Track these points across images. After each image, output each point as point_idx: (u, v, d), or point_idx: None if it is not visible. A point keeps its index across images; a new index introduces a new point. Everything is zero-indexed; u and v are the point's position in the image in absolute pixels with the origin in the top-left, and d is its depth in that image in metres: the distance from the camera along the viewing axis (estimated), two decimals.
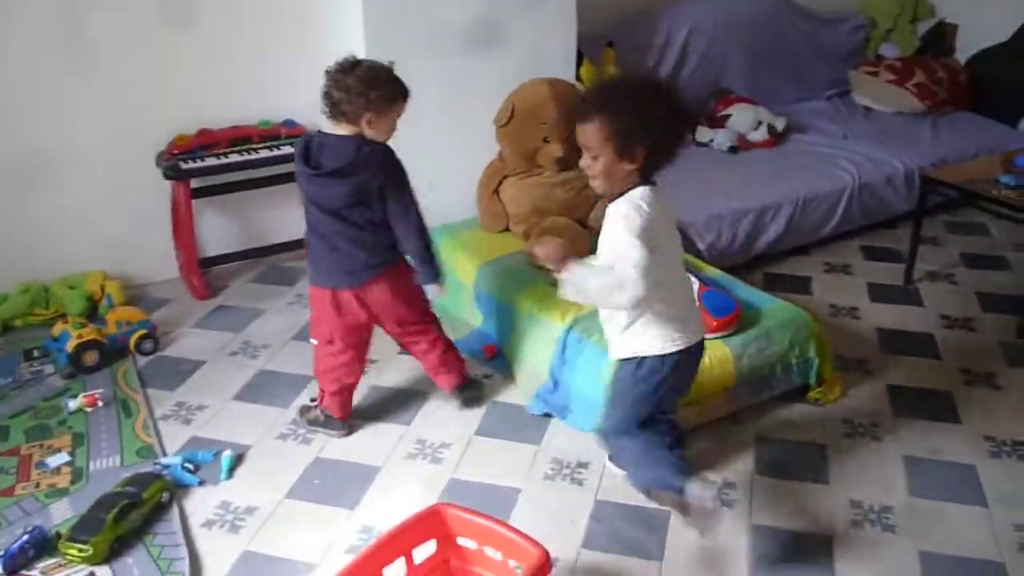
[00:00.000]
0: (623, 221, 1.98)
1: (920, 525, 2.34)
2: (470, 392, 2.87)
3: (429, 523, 1.98)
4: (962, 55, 5.02)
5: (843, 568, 2.20)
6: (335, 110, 2.45)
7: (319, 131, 2.55)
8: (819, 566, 2.21)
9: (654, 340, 2.12)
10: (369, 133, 2.47)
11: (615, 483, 2.50)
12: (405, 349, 2.89)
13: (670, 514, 2.37)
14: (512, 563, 1.93)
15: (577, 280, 2.03)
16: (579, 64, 3.80)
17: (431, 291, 2.68)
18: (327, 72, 2.46)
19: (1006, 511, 2.38)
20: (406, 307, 2.68)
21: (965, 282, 3.69)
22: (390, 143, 2.55)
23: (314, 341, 2.70)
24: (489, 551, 1.97)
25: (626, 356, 2.17)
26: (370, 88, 2.41)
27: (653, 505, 2.40)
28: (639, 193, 2.03)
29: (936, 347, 3.20)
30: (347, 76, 2.42)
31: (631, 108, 1.97)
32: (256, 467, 2.57)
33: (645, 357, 2.14)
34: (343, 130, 2.48)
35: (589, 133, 2.01)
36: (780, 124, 4.25)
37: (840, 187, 3.83)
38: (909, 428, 2.74)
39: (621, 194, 2.05)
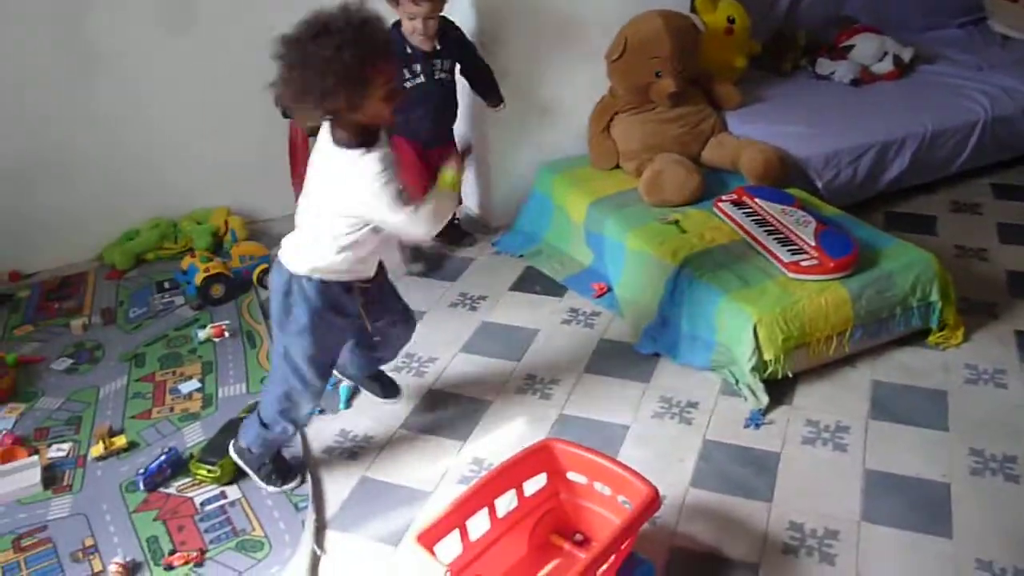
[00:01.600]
0: None
1: None
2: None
3: (539, 457, 2.02)
4: None
5: (960, 516, 2.15)
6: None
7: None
8: (935, 513, 2.16)
9: None
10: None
11: (725, 423, 2.49)
12: None
13: (780, 455, 2.36)
14: (621, 498, 1.96)
15: None
16: None
17: None
18: None
19: None
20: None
21: None
22: None
23: None
24: (598, 486, 2.00)
25: None
26: None
27: (762, 446, 2.40)
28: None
29: None
30: None
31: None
32: (372, 398, 2.66)
33: None
34: None
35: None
36: (907, 55, 4.03)
37: (971, 120, 3.63)
38: None
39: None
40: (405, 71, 3.03)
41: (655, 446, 2.42)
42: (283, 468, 2.33)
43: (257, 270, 3.23)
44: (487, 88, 3.25)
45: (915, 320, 2.74)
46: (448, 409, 2.61)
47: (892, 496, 2.22)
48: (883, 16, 4.35)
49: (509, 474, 1.99)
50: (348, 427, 2.55)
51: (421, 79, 3.09)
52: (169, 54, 3.42)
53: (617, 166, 3.41)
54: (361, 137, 1.95)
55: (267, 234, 3.65)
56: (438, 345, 2.89)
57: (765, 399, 2.52)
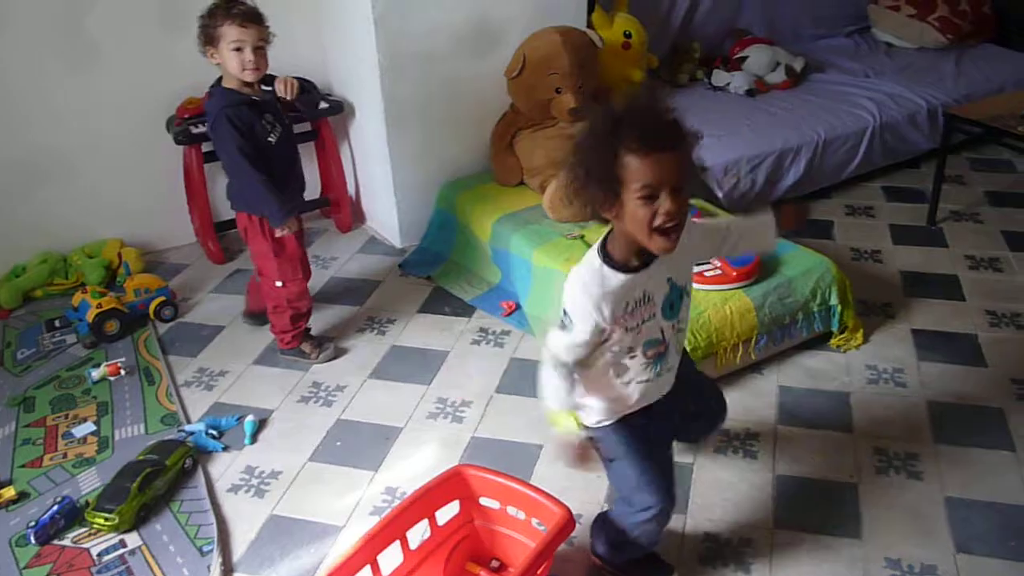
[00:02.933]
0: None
1: (946, 471, 2.32)
2: (285, 354, 2.90)
3: (452, 484, 1.98)
4: None
5: (868, 516, 2.19)
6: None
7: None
8: (844, 514, 2.20)
9: None
10: (223, 69, 2.55)
11: None
12: None
13: (692, 466, 2.37)
14: (535, 521, 1.93)
15: None
16: (590, 10, 3.71)
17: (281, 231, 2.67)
18: None
19: None
20: (250, 250, 2.81)
21: (990, 221, 3.62)
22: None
23: None
24: (512, 511, 1.97)
25: None
26: (202, 20, 2.49)
27: (676, 458, 2.38)
28: None
29: (960, 289, 3.15)
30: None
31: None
32: (279, 431, 2.59)
33: None
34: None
35: (678, 166, 1.54)
36: (798, 64, 4.15)
37: (861, 127, 3.75)
38: (934, 373, 2.71)
39: None
40: (262, 123, 2.62)
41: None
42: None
43: (153, 303, 3.11)
44: None
45: (817, 324, 2.80)
46: (358, 437, 2.54)
47: (802, 501, 2.25)
48: (775, 27, 4.47)
49: (421, 504, 1.94)
50: (254, 463, 2.46)
51: (279, 131, 2.68)
52: (56, 82, 3.27)
53: (521, 182, 3.41)
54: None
55: (164, 264, 3.53)
56: (347, 372, 2.83)
57: None
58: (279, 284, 2.78)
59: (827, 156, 3.67)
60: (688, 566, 2.07)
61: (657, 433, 1.91)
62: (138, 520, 2.24)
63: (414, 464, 2.43)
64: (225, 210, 3.65)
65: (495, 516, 2.01)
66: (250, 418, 2.59)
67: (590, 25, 3.68)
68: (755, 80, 4.05)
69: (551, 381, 1.76)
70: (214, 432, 2.56)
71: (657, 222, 1.54)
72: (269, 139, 2.63)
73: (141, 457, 2.38)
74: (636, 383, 1.80)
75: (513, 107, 3.44)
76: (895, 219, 3.66)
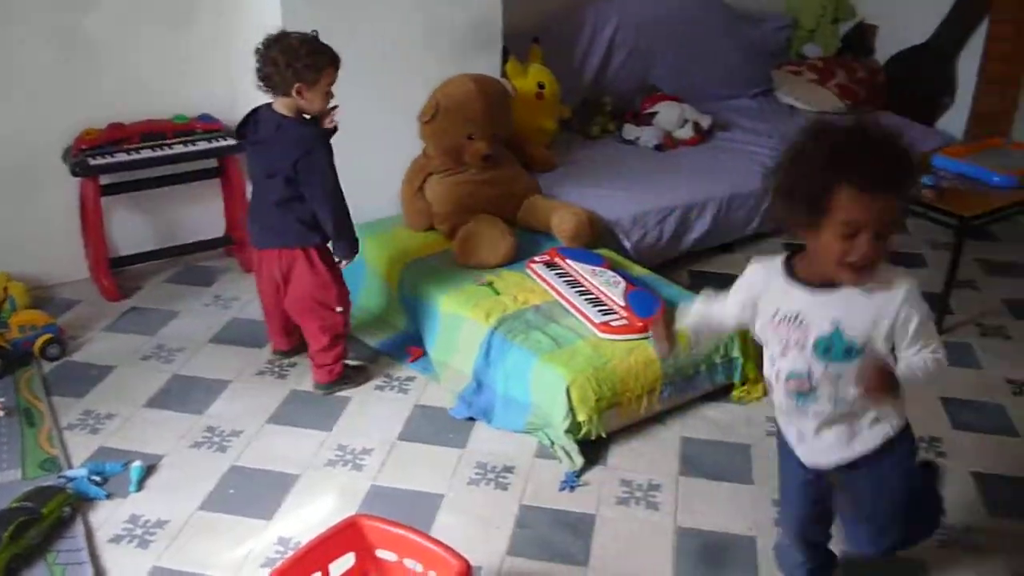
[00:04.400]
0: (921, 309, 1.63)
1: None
2: (332, 388, 2.86)
3: (347, 535, 1.91)
4: (882, 55, 5.12)
5: (764, 570, 2.19)
6: (267, 84, 2.58)
7: (267, 104, 2.66)
8: (743, 566, 2.20)
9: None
10: (303, 104, 2.60)
11: (541, 486, 2.46)
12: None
13: (595, 517, 2.35)
14: (432, 574, 1.87)
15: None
16: (504, 61, 3.75)
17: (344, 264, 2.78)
18: (256, 49, 2.57)
19: None
20: (302, 285, 2.75)
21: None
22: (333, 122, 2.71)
23: None
24: (409, 563, 1.91)
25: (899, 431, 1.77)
26: (295, 59, 2.52)
27: (578, 509, 2.38)
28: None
29: None
30: (272, 49, 2.54)
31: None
32: (168, 478, 2.47)
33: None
34: (280, 104, 2.62)
35: (891, 208, 1.51)
36: (705, 122, 4.26)
37: (764, 185, 3.84)
38: None
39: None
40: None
41: (471, 514, 2.36)
42: None
43: (39, 341, 2.95)
44: None
45: (719, 376, 2.84)
46: (253, 485, 2.44)
47: (701, 553, 2.25)
48: (683, 86, 4.58)
49: (313, 556, 1.86)
50: (139, 512, 2.33)
51: None
52: None
53: (431, 227, 3.38)
54: None
55: (53, 300, 3.37)
56: (244, 416, 2.72)
57: (580, 460, 2.52)
58: (340, 311, 2.81)
59: (732, 211, 3.75)
60: None
61: (791, 472, 1.87)
62: (8, 572, 2.09)
63: (310, 514, 2.34)
64: (122, 246, 3.54)
65: (391, 569, 1.94)
66: (137, 463, 2.46)
67: (504, 75, 3.71)
68: (664, 135, 4.14)
69: None
70: (97, 478, 2.42)
71: (850, 259, 1.52)
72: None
73: (15, 504, 2.22)
74: (779, 398, 1.77)
75: (425, 152, 3.42)
76: None
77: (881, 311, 1.60)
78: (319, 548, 1.87)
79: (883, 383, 1.59)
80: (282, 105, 2.62)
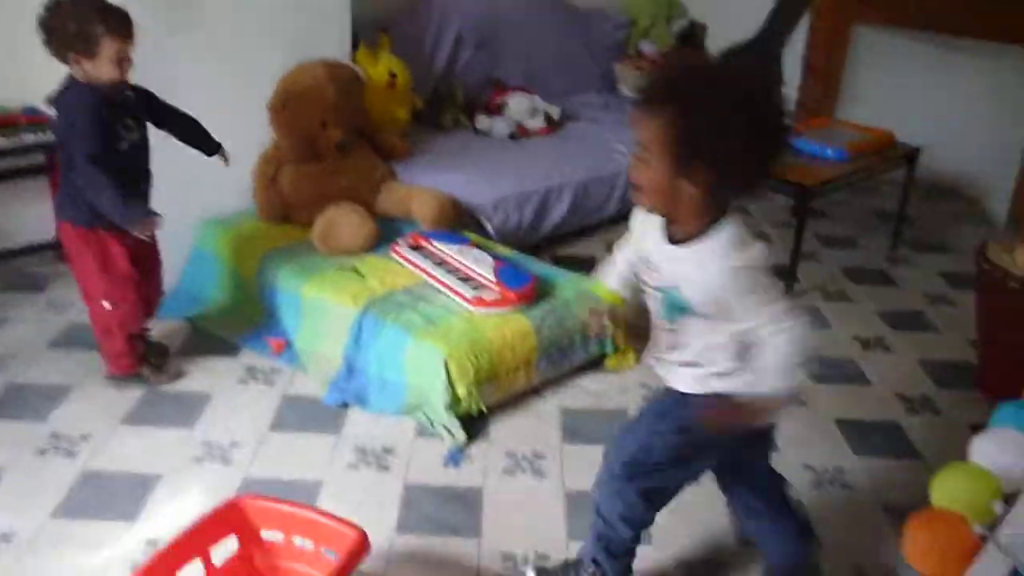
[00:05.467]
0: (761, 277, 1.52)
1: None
2: (120, 380, 2.68)
3: (227, 517, 1.77)
4: (713, 51, 5.36)
5: (658, 523, 2.20)
6: (49, 50, 2.34)
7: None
8: None
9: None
10: (90, 73, 2.35)
11: (424, 465, 2.38)
12: None
13: (482, 490, 2.29)
14: (324, 549, 1.76)
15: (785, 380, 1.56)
16: (355, 48, 3.67)
17: (141, 232, 2.46)
18: (37, 14, 2.33)
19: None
20: (73, 265, 2.57)
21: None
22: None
23: None
24: (299, 541, 1.79)
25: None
26: (64, 25, 2.30)
27: (464, 483, 2.32)
28: (735, 230, 1.52)
29: None
30: (48, 14, 2.31)
31: (708, 109, 1.43)
32: (13, 488, 2.22)
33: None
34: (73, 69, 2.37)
35: (649, 128, 1.47)
36: (556, 112, 4.32)
37: (617, 170, 3.93)
38: None
39: (700, 233, 1.53)
40: (120, 129, 2.44)
41: (353, 497, 2.25)
42: None
43: None
44: (201, 135, 2.74)
45: (592, 346, 2.85)
46: (111, 488, 2.24)
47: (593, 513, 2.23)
48: (530, 80, 4.63)
49: (192, 542, 1.72)
50: None
51: (136, 136, 2.50)
52: None
53: (285, 219, 3.24)
54: None
55: None
56: (92, 420, 2.50)
57: (462, 435, 2.46)
58: (107, 306, 2.55)
59: (588, 196, 3.80)
60: None
61: None
62: None
63: (179, 512, 2.15)
64: None
65: (280, 550, 1.81)
66: None
67: (355, 62, 3.63)
68: (516, 125, 4.16)
69: None
70: None
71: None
72: (121, 145, 2.44)
73: None
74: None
75: (275, 143, 3.28)
76: None
77: (707, 272, 1.51)
78: (197, 532, 1.73)
79: (737, 417, 1.57)
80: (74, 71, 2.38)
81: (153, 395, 2.64)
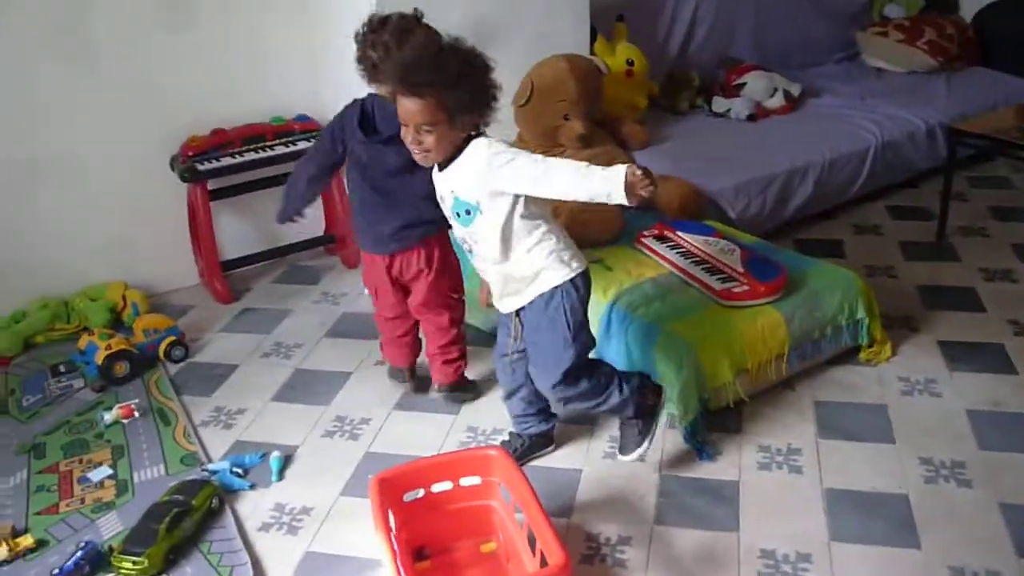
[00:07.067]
0: (505, 149, 2.03)
1: (996, 478, 2.28)
2: (455, 393, 2.74)
3: (478, 460, 2.08)
4: (967, 12, 4.98)
5: (924, 526, 2.14)
6: (374, 73, 2.35)
7: (372, 93, 2.46)
8: (899, 526, 2.14)
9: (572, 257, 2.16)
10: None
11: (677, 455, 2.43)
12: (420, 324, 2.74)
13: (738, 484, 2.31)
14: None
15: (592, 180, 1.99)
16: (593, 40, 3.72)
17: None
18: (356, 35, 2.39)
19: None
20: (432, 283, 2.57)
21: (997, 235, 3.64)
22: None
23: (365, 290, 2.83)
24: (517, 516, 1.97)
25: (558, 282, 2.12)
26: (405, 41, 2.31)
27: (719, 476, 2.35)
28: (486, 140, 2.06)
29: (979, 300, 3.15)
30: (380, 34, 2.34)
31: (456, 77, 1.95)
32: (306, 467, 2.50)
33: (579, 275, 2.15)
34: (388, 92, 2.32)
35: (420, 111, 1.96)
36: (796, 89, 4.18)
37: (864, 147, 3.77)
38: (966, 382, 2.69)
39: (458, 153, 2.06)
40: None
41: (612, 486, 2.34)
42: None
43: (164, 343, 3.02)
44: None
45: (845, 338, 2.77)
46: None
47: (855, 513, 2.20)
48: (765, 55, 4.51)
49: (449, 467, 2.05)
50: (284, 500, 2.36)
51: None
52: (53, 121, 3.20)
53: None
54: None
55: (167, 307, 3.44)
56: (370, 405, 2.75)
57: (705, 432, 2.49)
58: (460, 297, 2.70)
59: (833, 176, 3.68)
60: None
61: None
62: (167, 563, 2.14)
63: None
64: (230, 248, 3.60)
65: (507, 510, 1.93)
66: (276, 454, 2.50)
67: (593, 54, 3.69)
68: (755, 105, 4.07)
69: None
70: (239, 470, 2.46)
71: (413, 152, 2.05)
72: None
73: (166, 498, 2.27)
74: None
75: (520, 135, 3.41)
76: (903, 236, 3.66)
77: (476, 172, 2.02)
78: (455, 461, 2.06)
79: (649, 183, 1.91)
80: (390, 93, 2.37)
81: (421, 384, 2.84)
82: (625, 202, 1.92)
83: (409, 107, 1.96)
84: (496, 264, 2.13)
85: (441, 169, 2.09)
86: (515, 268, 2.11)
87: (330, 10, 3.44)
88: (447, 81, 1.93)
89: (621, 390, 2.23)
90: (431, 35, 2.36)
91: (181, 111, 3.39)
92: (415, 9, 2.47)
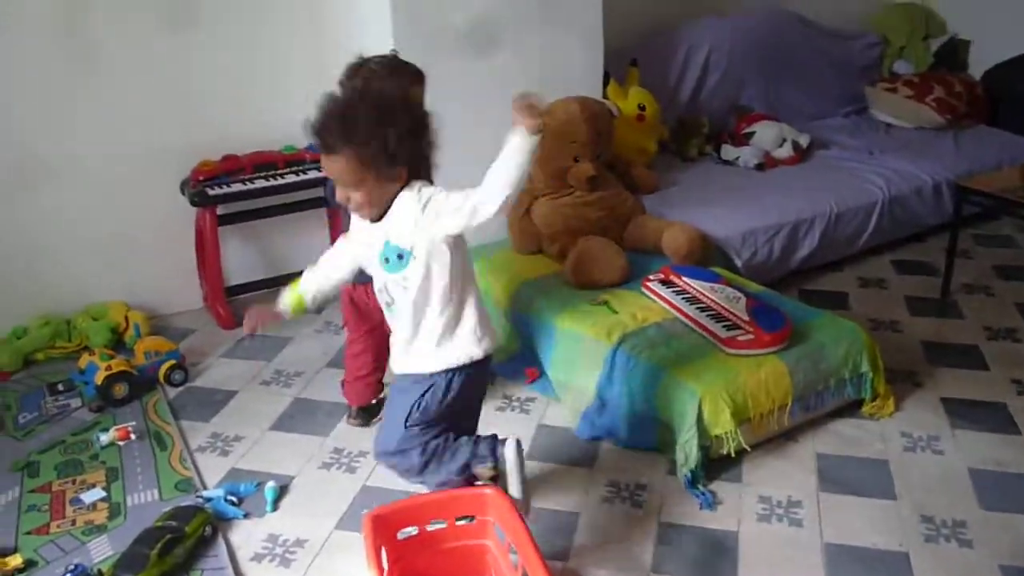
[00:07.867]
0: (433, 192, 1.96)
1: (996, 539, 2.26)
2: (362, 416, 2.79)
3: (474, 500, 2.05)
4: (976, 70, 5.03)
5: None
6: None
7: None
8: None
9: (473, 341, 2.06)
10: None
11: (677, 504, 2.41)
12: None
13: (737, 535, 2.29)
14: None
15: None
16: (606, 83, 3.76)
17: None
18: (340, 81, 2.42)
19: None
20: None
21: (1002, 293, 3.64)
22: None
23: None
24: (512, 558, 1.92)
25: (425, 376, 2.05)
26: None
27: (719, 526, 2.32)
28: (415, 186, 1.96)
29: (983, 358, 3.14)
30: (355, 79, 2.40)
31: (378, 133, 1.84)
32: (301, 498, 2.47)
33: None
34: None
35: (340, 170, 1.87)
36: (804, 140, 4.21)
37: (871, 200, 3.79)
38: (968, 440, 2.67)
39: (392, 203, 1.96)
40: None
41: (609, 531, 2.32)
42: None
43: (164, 367, 3.01)
44: None
45: (848, 391, 2.76)
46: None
47: (855, 570, 2.17)
48: (775, 105, 4.55)
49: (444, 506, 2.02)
50: (277, 531, 2.34)
51: None
52: (62, 141, 3.22)
53: (539, 250, 3.38)
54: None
55: (168, 329, 3.43)
56: (368, 439, 2.71)
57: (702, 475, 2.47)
58: None
59: (840, 228, 3.69)
60: None
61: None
62: None
63: None
64: (236, 274, 3.60)
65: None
66: (271, 484, 2.47)
67: (606, 97, 3.72)
68: (763, 155, 4.10)
69: None
70: (233, 499, 2.44)
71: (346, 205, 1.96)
72: None
73: (159, 523, 2.25)
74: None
75: (530, 175, 3.42)
76: (908, 291, 3.66)
77: (410, 212, 1.93)
78: (450, 500, 2.03)
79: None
80: None
81: None
82: (537, 134, 1.91)
83: (328, 166, 1.90)
84: (410, 321, 2.02)
85: (374, 221, 1.99)
86: (425, 331, 2.02)
87: (348, 42, 3.47)
88: (357, 136, 1.83)
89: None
90: (363, 85, 2.33)
91: (193, 136, 3.41)
92: (391, 50, 2.56)
